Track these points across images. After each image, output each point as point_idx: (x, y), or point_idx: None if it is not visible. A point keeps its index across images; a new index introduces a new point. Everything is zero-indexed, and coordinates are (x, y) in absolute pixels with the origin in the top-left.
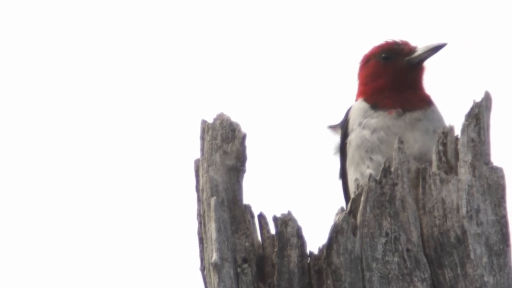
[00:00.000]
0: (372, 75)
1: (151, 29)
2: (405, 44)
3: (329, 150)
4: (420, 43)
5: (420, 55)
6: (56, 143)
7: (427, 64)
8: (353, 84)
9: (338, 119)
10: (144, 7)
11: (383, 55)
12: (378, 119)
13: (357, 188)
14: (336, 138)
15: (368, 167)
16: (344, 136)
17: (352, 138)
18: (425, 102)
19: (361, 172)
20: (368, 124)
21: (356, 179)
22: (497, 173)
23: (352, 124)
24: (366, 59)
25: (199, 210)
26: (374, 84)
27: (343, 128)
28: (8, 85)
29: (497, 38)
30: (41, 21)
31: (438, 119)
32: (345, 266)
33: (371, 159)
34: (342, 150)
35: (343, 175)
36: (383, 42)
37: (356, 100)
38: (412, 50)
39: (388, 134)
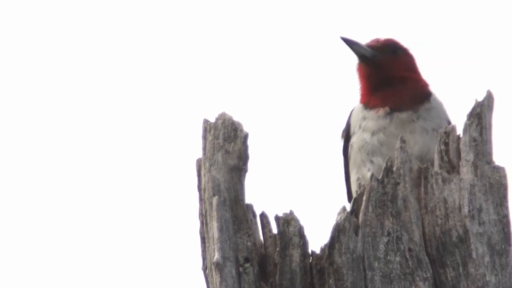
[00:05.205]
0: (359, 77)
1: (152, 29)
2: (375, 42)
3: (337, 134)
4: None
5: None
6: (61, 143)
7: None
8: (356, 83)
9: (341, 119)
10: (146, 7)
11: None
12: (373, 121)
13: (359, 188)
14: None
15: (369, 170)
16: (347, 139)
17: (354, 141)
18: (417, 101)
19: (362, 175)
20: (366, 127)
21: (358, 179)
22: (499, 172)
23: (354, 127)
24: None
25: (201, 210)
26: (361, 85)
27: (346, 131)
28: (8, 85)
29: (499, 37)
30: (41, 21)
31: (436, 115)
32: (347, 266)
33: (372, 161)
34: (345, 153)
35: (347, 178)
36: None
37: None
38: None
39: (387, 136)
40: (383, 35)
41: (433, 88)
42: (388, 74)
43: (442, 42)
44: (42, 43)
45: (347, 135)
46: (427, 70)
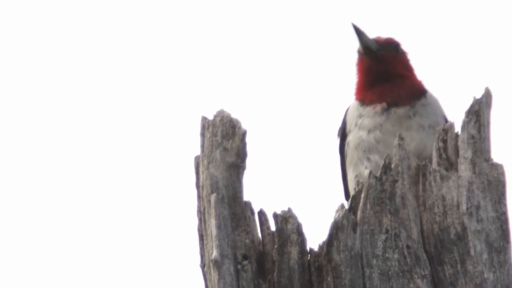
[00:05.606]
0: (357, 71)
1: (151, 28)
2: (378, 38)
3: (333, 132)
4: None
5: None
6: (57, 141)
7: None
8: (352, 81)
9: (338, 117)
10: (144, 6)
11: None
12: (370, 118)
13: (357, 185)
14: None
15: (366, 167)
16: (343, 137)
17: (350, 139)
18: (414, 96)
19: (359, 172)
20: (363, 124)
21: (356, 176)
22: (497, 169)
23: (350, 125)
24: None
25: (199, 207)
26: (359, 79)
27: (342, 129)
28: (8, 85)
29: (498, 34)
30: (41, 21)
31: (432, 112)
32: (345, 263)
33: (368, 159)
34: (342, 151)
35: (344, 176)
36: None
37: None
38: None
39: (384, 133)
40: (382, 35)
41: (432, 87)
42: (388, 70)
43: (441, 42)
44: (42, 43)
45: (343, 134)
46: (426, 69)
